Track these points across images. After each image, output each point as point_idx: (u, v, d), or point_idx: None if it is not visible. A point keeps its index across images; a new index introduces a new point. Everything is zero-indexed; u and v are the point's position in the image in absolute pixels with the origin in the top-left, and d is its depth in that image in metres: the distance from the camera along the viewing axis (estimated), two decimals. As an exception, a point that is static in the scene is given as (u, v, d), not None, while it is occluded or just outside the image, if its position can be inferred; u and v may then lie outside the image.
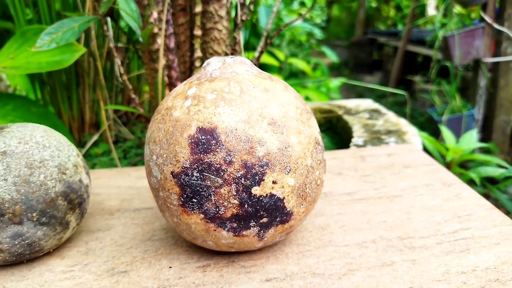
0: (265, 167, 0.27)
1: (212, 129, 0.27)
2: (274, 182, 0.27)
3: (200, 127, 0.27)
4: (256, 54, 0.58)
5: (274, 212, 0.28)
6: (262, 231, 0.29)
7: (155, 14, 0.49)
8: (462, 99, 2.33)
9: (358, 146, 0.63)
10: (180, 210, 0.29)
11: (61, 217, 0.32)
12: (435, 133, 2.02)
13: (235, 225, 0.28)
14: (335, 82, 1.86)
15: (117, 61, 0.52)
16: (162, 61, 0.49)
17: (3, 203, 0.29)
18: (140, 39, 0.51)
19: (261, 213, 0.28)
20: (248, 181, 0.27)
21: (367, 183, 0.44)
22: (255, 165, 0.27)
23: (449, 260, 0.30)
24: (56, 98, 0.74)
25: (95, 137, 0.73)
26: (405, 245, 0.32)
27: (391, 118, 0.79)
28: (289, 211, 0.29)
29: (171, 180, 0.28)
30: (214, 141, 0.27)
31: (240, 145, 0.27)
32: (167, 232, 0.38)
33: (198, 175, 0.27)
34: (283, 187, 0.28)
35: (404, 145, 0.56)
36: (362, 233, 0.34)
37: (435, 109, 2.33)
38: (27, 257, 0.32)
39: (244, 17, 0.52)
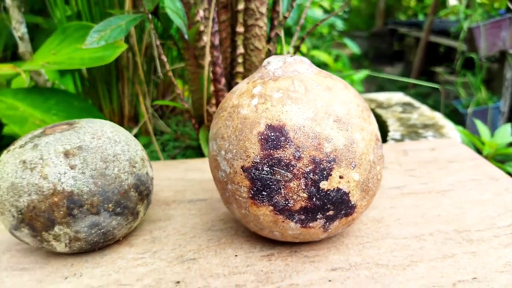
0: (332, 163, 0.28)
1: (281, 126, 0.28)
2: (340, 177, 0.29)
3: (269, 124, 0.29)
4: (290, 49, 0.60)
5: (339, 206, 0.30)
6: (327, 223, 0.30)
7: (201, 12, 0.50)
8: (487, 91, 2.29)
9: (396, 140, 0.64)
10: (249, 202, 0.30)
11: (133, 207, 0.34)
12: (460, 125, 2.00)
13: (303, 217, 0.30)
14: (359, 75, 1.85)
15: (163, 58, 0.54)
16: (208, 58, 0.51)
17: (82, 195, 0.31)
18: (186, 36, 0.52)
19: (328, 206, 0.29)
20: (316, 176, 0.28)
21: (414, 177, 0.45)
22: (323, 160, 0.28)
23: (508, 253, 0.31)
24: (96, 93, 0.77)
25: (135, 130, 0.75)
26: (463, 238, 0.33)
27: (425, 112, 0.79)
28: (353, 204, 0.30)
29: (241, 174, 0.30)
30: (283, 138, 0.28)
31: (308, 141, 0.28)
32: (225, 223, 0.40)
33: (268, 169, 0.29)
34: (348, 181, 0.29)
35: (446, 139, 0.57)
36: (418, 227, 0.35)
37: (460, 101, 2.29)
38: (100, 245, 0.35)
39: (286, 14, 0.53)
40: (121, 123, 0.79)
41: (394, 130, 0.71)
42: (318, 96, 0.30)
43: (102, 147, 0.33)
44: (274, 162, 0.28)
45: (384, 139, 0.67)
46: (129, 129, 0.79)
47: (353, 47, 2.39)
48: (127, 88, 0.76)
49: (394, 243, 0.33)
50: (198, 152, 0.72)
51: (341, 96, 0.30)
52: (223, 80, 0.54)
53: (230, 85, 0.59)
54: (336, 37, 2.35)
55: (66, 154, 0.32)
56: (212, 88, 0.54)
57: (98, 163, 0.32)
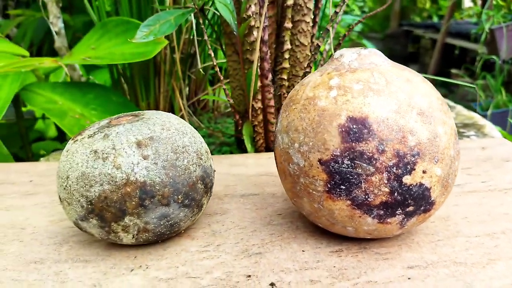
0: (416, 157, 0.28)
1: (364, 119, 0.28)
2: (424, 172, 0.28)
3: (351, 116, 0.28)
4: (327, 46, 0.59)
5: (420, 201, 0.29)
6: (405, 219, 0.30)
7: (252, 7, 0.50)
8: (507, 94, 2.26)
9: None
10: (325, 196, 0.30)
11: (199, 200, 0.34)
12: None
13: (382, 212, 0.29)
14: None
15: (211, 52, 0.54)
16: (257, 53, 0.51)
17: (154, 185, 0.31)
18: (235, 31, 0.52)
19: (409, 201, 0.29)
20: (399, 170, 0.28)
21: (472, 175, 0.44)
22: (407, 154, 0.28)
23: None
24: (134, 88, 0.77)
25: (153, 110, 0.75)
26: (541, 237, 0.32)
27: (462, 111, 0.78)
28: (433, 200, 0.30)
29: (317, 167, 0.29)
30: (366, 130, 0.28)
31: (392, 134, 0.28)
32: (284, 218, 0.39)
33: (348, 162, 0.28)
34: (431, 176, 0.28)
35: (493, 139, 0.55)
36: (486, 225, 0.35)
37: (479, 103, 2.27)
38: (165, 237, 0.34)
39: (338, 10, 0.53)
40: (155, 119, 0.79)
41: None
42: (399, 88, 0.29)
43: (172, 138, 0.33)
44: (355, 155, 0.28)
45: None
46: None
47: (371, 48, 2.38)
48: (163, 84, 0.76)
49: (467, 241, 0.33)
50: (234, 148, 0.71)
51: (421, 89, 0.30)
52: (270, 76, 0.54)
53: (273, 81, 0.58)
54: (355, 37, 2.34)
55: (139, 145, 0.31)
56: (258, 83, 0.54)
57: (169, 154, 0.32)
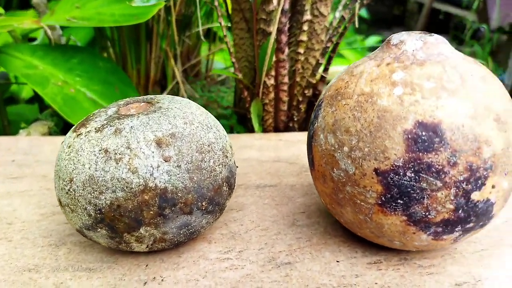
0: (489, 171, 0.24)
1: (436, 125, 0.24)
2: (493, 187, 0.25)
3: (420, 121, 0.24)
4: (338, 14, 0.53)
5: (481, 217, 0.26)
6: (462, 235, 0.26)
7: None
8: (494, 63, 2.26)
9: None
10: (376, 209, 0.26)
11: (223, 203, 0.30)
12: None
13: (440, 229, 0.26)
14: (371, 40, 1.78)
15: (221, 21, 0.47)
16: (276, 24, 0.44)
17: (176, 192, 0.26)
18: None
19: (471, 218, 0.25)
20: (470, 185, 0.24)
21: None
22: (480, 168, 0.24)
23: None
24: (122, 52, 0.69)
25: (165, 94, 0.69)
26: None
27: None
28: (493, 215, 0.26)
29: (372, 178, 0.25)
30: (437, 139, 0.23)
31: (467, 144, 0.24)
32: (309, 217, 0.35)
33: (412, 175, 0.24)
34: (498, 191, 0.25)
35: None
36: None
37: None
38: (181, 244, 0.30)
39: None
40: (145, 87, 0.73)
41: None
42: (476, 88, 0.25)
43: (197, 134, 0.28)
44: (422, 167, 0.24)
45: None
46: (155, 93, 0.73)
47: (362, 12, 2.30)
48: (155, 49, 0.69)
49: (517, 254, 0.30)
50: (234, 123, 0.66)
51: (496, 89, 0.25)
52: (286, 50, 0.48)
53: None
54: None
55: (159, 144, 0.26)
56: (273, 58, 0.48)
57: (194, 155, 0.27)
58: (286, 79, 0.51)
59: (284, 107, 0.53)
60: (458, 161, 0.23)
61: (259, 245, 0.32)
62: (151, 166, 0.25)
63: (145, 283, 0.28)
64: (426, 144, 0.24)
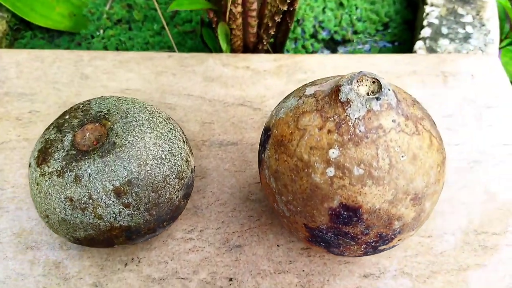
0: (397, 234, 0.29)
1: (356, 208, 0.27)
2: (399, 240, 0.30)
3: (344, 203, 0.27)
4: None
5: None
6: (368, 252, 0.33)
7: None
8: None
9: (431, 25, 0.57)
10: (302, 237, 0.32)
11: (182, 209, 0.35)
12: None
13: (351, 256, 0.32)
14: None
15: None
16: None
17: (139, 226, 0.31)
18: None
19: (377, 250, 0.32)
20: (378, 244, 0.29)
21: (450, 131, 0.44)
22: (388, 234, 0.29)
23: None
24: None
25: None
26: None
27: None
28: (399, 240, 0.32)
29: (302, 227, 0.30)
30: (355, 218, 0.27)
31: (380, 222, 0.28)
32: (261, 190, 0.41)
33: (332, 235, 0.29)
34: (404, 239, 0.30)
35: (484, 57, 0.52)
36: (444, 219, 0.39)
37: None
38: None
39: None
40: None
41: (434, 5, 0.62)
42: (402, 173, 0.27)
43: (152, 175, 0.30)
44: (340, 233, 0.29)
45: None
46: None
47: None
48: None
49: (419, 242, 0.38)
50: (198, 41, 0.62)
51: (425, 165, 0.27)
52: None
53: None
54: None
55: (117, 193, 0.29)
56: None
57: (150, 195, 0.31)
58: (254, 6, 0.47)
59: (253, 30, 0.50)
60: (370, 233, 0.28)
61: (217, 224, 0.39)
62: (114, 213, 0.30)
63: (126, 264, 0.36)
64: (346, 220, 0.28)
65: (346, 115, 0.27)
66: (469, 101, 0.47)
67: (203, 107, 0.47)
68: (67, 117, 0.32)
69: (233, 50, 0.54)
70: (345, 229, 0.28)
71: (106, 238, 0.31)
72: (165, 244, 0.38)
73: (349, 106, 0.27)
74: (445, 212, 0.39)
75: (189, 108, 0.47)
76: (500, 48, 0.67)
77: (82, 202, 0.29)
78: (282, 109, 0.31)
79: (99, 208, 0.29)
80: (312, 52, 0.65)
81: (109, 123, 0.31)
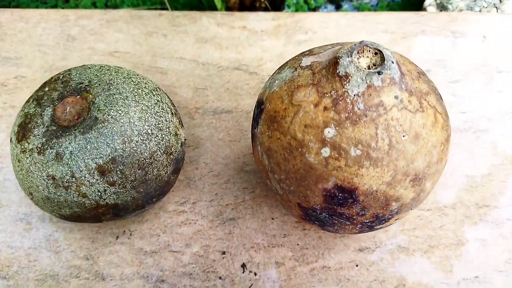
0: (394, 214, 0.28)
1: (352, 190, 0.26)
2: (396, 219, 0.29)
3: (339, 185, 0.26)
4: None
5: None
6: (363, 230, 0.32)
7: None
8: None
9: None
10: (297, 215, 0.31)
11: (172, 183, 0.34)
12: None
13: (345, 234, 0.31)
14: None
15: None
16: None
17: (127, 203, 0.30)
18: None
19: (374, 229, 0.30)
20: (374, 223, 0.28)
21: (454, 97, 0.42)
22: (385, 215, 0.27)
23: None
24: None
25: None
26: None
27: None
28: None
29: (295, 206, 0.29)
30: (351, 200, 0.26)
31: (377, 203, 0.26)
32: (255, 162, 0.40)
33: (327, 215, 0.28)
34: (402, 218, 0.29)
35: (503, 15, 0.48)
36: (436, 195, 0.38)
37: None
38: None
39: None
40: None
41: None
42: (402, 153, 0.25)
43: (137, 151, 0.29)
44: (335, 214, 0.27)
45: None
46: None
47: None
48: None
49: (418, 216, 0.37)
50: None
51: (427, 144, 0.26)
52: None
53: None
54: None
55: (101, 172, 0.28)
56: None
57: (137, 172, 0.29)
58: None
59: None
60: (366, 213, 0.27)
61: (210, 196, 0.38)
62: (98, 191, 0.28)
63: (117, 237, 0.36)
64: (340, 201, 0.26)
65: (344, 91, 0.25)
66: (479, 65, 0.44)
67: (196, 72, 0.45)
68: (47, 89, 0.30)
69: (228, 8, 0.50)
70: (340, 210, 0.27)
71: (92, 216, 0.30)
72: (157, 217, 0.37)
73: (347, 81, 0.25)
74: (447, 185, 0.38)
75: (181, 73, 0.45)
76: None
77: (65, 180, 0.28)
78: (276, 81, 0.29)
79: (83, 186, 0.28)
80: (315, 8, 0.61)
81: (90, 96, 0.29)
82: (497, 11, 0.52)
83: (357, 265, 0.35)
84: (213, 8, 0.53)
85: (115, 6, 0.59)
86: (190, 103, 0.43)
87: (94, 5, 0.58)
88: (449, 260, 0.35)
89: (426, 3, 0.53)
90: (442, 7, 0.52)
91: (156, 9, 0.58)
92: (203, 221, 0.37)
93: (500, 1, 0.53)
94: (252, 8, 0.51)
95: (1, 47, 0.47)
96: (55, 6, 0.59)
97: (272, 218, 0.37)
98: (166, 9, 0.58)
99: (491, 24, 0.47)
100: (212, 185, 0.38)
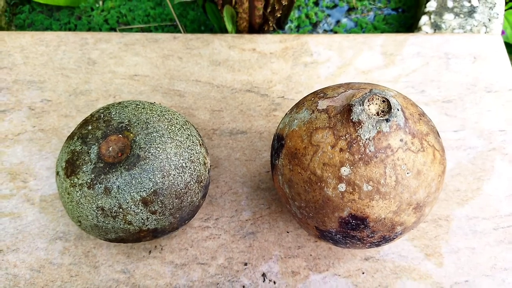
0: (398, 235, 0.32)
1: (364, 218, 0.30)
2: (399, 238, 0.33)
3: (353, 214, 0.30)
4: None
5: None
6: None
7: None
8: None
9: (429, 13, 0.57)
10: (313, 234, 0.35)
11: (200, 205, 0.38)
12: None
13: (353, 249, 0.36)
14: None
15: None
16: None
17: (165, 228, 0.34)
18: None
19: (380, 245, 0.35)
20: (381, 243, 0.33)
21: (448, 117, 0.47)
22: (391, 236, 0.32)
23: None
24: None
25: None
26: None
27: None
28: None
29: (313, 228, 0.33)
30: (362, 225, 0.31)
31: (384, 228, 0.31)
32: (271, 179, 0.44)
33: (341, 237, 0.32)
34: (406, 234, 0.34)
35: (487, 36, 0.52)
36: (439, 206, 0.42)
37: None
38: (172, 224, 0.40)
39: None
40: None
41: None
42: (406, 188, 0.29)
43: (174, 184, 0.33)
44: (348, 236, 0.32)
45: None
46: None
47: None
48: None
49: (426, 222, 0.41)
50: (202, 15, 0.61)
51: (427, 178, 0.30)
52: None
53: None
54: None
55: (145, 203, 0.32)
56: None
57: (174, 201, 0.33)
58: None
59: (259, 13, 0.50)
60: (375, 236, 0.32)
61: (231, 212, 0.42)
62: (142, 219, 0.32)
63: (150, 251, 0.40)
64: (354, 227, 0.31)
65: (357, 135, 0.29)
66: (470, 84, 0.49)
67: (212, 94, 0.48)
68: (90, 127, 0.34)
69: (238, 31, 0.54)
70: (353, 233, 0.31)
71: (135, 238, 0.34)
72: (184, 232, 0.41)
73: (360, 126, 0.29)
74: (440, 199, 0.43)
75: (198, 95, 0.48)
76: (506, 10, 0.67)
77: (113, 211, 0.32)
78: (296, 121, 0.33)
79: (129, 215, 0.32)
80: (316, 23, 0.65)
81: (131, 134, 0.33)
82: (486, 30, 0.56)
83: (363, 273, 0.40)
84: (223, 30, 0.56)
85: (127, 23, 0.62)
86: (207, 125, 0.47)
87: (106, 22, 0.61)
88: (443, 266, 0.40)
89: (421, 23, 0.57)
90: (436, 26, 0.57)
91: (166, 25, 0.61)
92: (226, 235, 0.41)
93: (489, 20, 0.57)
94: (260, 30, 0.55)
95: (24, 71, 0.50)
96: (68, 23, 0.61)
97: (287, 232, 0.41)
98: (176, 25, 0.61)
99: (481, 45, 0.51)
100: (232, 202, 0.43)
